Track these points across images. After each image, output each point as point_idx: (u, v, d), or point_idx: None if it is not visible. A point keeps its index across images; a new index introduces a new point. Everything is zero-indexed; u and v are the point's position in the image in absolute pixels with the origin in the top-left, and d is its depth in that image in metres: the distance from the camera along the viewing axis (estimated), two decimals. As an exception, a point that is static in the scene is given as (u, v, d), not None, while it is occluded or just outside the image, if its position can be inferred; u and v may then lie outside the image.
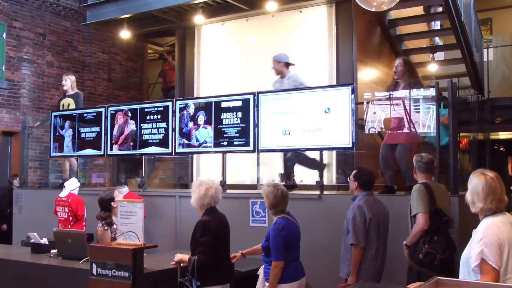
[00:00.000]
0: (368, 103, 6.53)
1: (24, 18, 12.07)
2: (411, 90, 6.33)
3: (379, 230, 5.18)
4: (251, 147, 6.96)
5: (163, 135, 7.70)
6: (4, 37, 11.67)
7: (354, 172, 5.48)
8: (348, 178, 5.79)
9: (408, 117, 6.25)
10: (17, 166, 11.13)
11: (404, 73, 6.60)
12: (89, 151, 8.56)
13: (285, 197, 4.88)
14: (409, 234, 5.07)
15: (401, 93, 6.40)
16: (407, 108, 6.26)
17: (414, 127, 6.24)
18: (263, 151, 7.13)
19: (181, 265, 4.69)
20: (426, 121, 6.19)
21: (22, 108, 11.91)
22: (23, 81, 12.01)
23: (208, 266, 4.53)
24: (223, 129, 7.15)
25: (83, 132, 8.57)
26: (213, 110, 7.24)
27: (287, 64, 7.80)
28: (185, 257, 4.65)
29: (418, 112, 6.22)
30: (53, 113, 9.10)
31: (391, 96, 6.42)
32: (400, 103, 6.31)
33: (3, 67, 11.62)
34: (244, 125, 6.98)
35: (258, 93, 7.00)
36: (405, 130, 6.28)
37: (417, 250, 4.91)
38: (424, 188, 5.07)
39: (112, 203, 5.87)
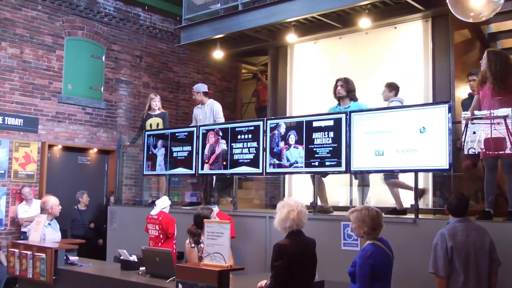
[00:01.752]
0: (467, 123, 6.15)
1: (122, 41, 12.49)
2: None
3: (468, 260, 4.79)
4: (343, 168, 6.72)
5: (254, 154, 7.62)
6: (103, 60, 12.12)
7: (448, 197, 5.17)
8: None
9: (510, 136, 5.83)
10: (113, 184, 11.46)
11: (489, 66, 6.10)
12: (180, 170, 8.63)
13: (381, 217, 4.59)
14: None
15: (502, 111, 5.97)
16: (509, 127, 5.83)
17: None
18: (355, 172, 6.88)
19: None
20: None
21: (119, 127, 12.27)
22: (120, 102, 12.39)
23: None
24: (314, 149, 6.97)
25: (175, 151, 8.67)
26: (304, 130, 7.09)
27: (206, 93, 9.10)
28: (262, 283, 4.46)
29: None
30: (146, 133, 9.28)
31: (492, 114, 6.00)
32: (501, 122, 5.89)
33: (102, 88, 12.05)
34: (336, 145, 6.77)
35: (351, 112, 6.79)
36: (507, 151, 5.85)
37: None
38: None
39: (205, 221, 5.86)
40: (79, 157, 11.89)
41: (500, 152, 5.86)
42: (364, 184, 7.42)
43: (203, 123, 8.93)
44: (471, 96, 7.08)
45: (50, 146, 11.21)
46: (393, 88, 7.77)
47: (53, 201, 7.29)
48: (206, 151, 8.19)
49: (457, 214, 4.98)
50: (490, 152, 5.93)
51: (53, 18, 11.28)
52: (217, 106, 9.09)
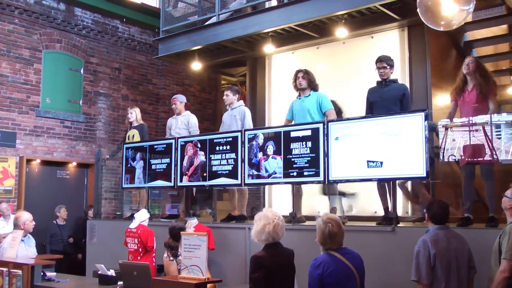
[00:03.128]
0: (446, 129, 6.20)
1: (101, 54, 12.44)
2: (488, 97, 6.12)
3: (449, 267, 4.79)
4: (321, 178, 6.73)
5: (232, 166, 7.60)
6: (82, 73, 12.04)
7: (428, 203, 5.19)
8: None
9: (490, 143, 5.88)
10: (93, 197, 11.36)
11: (475, 71, 6.30)
12: (159, 182, 8.59)
13: (333, 236, 4.31)
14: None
15: (480, 118, 6.03)
16: (488, 134, 5.88)
17: (496, 154, 5.85)
18: (334, 181, 6.88)
19: None
20: (509, 147, 5.80)
21: (98, 140, 12.19)
22: (99, 115, 12.32)
23: None
24: (292, 159, 6.97)
25: (154, 164, 8.62)
26: (282, 140, 7.09)
27: (185, 105, 9.26)
28: None
29: (500, 138, 5.83)
30: (125, 145, 9.23)
31: (470, 122, 6.05)
32: (480, 129, 5.95)
33: (80, 102, 11.97)
34: (314, 155, 6.77)
35: (328, 121, 6.80)
36: (486, 158, 5.90)
37: None
38: None
39: (181, 233, 5.83)
40: (58, 171, 11.78)
41: (479, 159, 5.93)
42: (334, 193, 7.40)
43: (175, 132, 8.96)
44: (379, 83, 7.13)
45: (28, 161, 11.10)
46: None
47: (25, 217, 7.24)
48: (184, 163, 8.17)
49: (437, 222, 4.98)
50: (469, 159, 6.00)
51: (31, 31, 11.21)
52: (193, 119, 9.15)
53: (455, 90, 6.55)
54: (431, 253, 4.75)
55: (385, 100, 6.93)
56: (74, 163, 11.92)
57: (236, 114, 8.32)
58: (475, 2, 3.96)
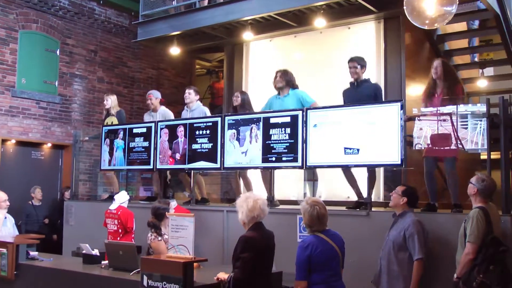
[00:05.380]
0: (415, 119, 6.48)
1: (77, 36, 12.41)
2: (455, 101, 6.34)
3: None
4: (299, 163, 6.96)
5: (211, 150, 7.79)
6: (58, 54, 12.03)
7: (403, 188, 5.49)
8: (391, 194, 5.71)
9: (455, 133, 6.16)
10: (68, 179, 11.42)
11: (443, 74, 6.59)
12: (138, 166, 8.72)
13: (321, 217, 4.60)
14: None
15: (448, 108, 6.32)
16: (455, 124, 6.17)
17: (461, 144, 6.15)
18: (310, 167, 7.12)
19: (221, 284, 4.68)
20: (474, 137, 6.10)
21: (73, 122, 12.21)
22: (75, 96, 12.32)
23: (244, 283, 4.44)
24: (271, 145, 7.18)
25: (133, 147, 8.74)
26: (261, 126, 7.29)
27: (160, 101, 9.35)
28: (225, 276, 4.64)
29: (466, 128, 6.13)
30: (104, 128, 9.31)
31: (439, 111, 6.33)
32: (447, 119, 6.23)
33: (56, 83, 11.96)
34: (293, 141, 7.00)
35: (307, 109, 7.03)
36: (453, 147, 6.20)
37: (471, 279, 4.80)
38: (483, 215, 4.93)
39: (166, 213, 6.01)
40: (33, 152, 11.79)
41: (445, 148, 6.23)
42: (312, 179, 7.65)
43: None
44: (352, 84, 7.37)
45: (4, 141, 11.09)
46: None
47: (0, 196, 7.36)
48: (164, 146, 8.31)
49: (414, 206, 5.46)
50: (436, 148, 6.30)
51: (7, 11, 11.13)
52: (169, 114, 9.32)
53: (425, 94, 6.83)
54: (425, 232, 5.27)
55: (358, 101, 7.10)
56: (49, 144, 11.93)
57: (196, 115, 8.60)
58: (457, 3, 4.20)
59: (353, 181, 7.21)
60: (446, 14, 4.20)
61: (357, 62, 7.29)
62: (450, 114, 6.22)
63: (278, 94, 8.00)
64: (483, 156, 6.25)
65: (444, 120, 6.25)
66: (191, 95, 8.81)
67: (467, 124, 6.13)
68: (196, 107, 8.77)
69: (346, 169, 7.20)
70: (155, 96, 9.40)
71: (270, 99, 8.12)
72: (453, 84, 6.61)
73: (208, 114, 8.76)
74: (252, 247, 4.47)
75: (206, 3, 9.92)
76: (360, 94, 7.21)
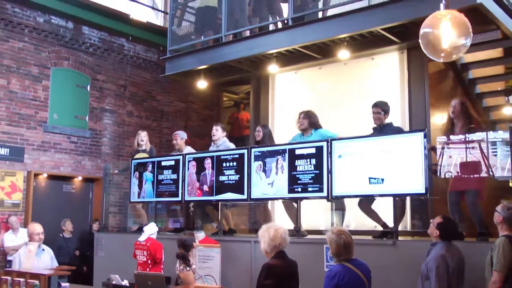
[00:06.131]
0: (443, 148, 6.51)
1: (107, 71, 12.76)
2: (475, 132, 6.36)
3: (459, 278, 5.18)
4: (324, 193, 7.03)
5: (238, 181, 7.90)
6: (88, 89, 12.36)
7: (438, 220, 5.42)
8: (430, 221, 5.68)
9: (486, 160, 6.15)
10: (98, 211, 11.65)
11: (461, 113, 6.67)
12: (167, 198, 8.87)
13: (348, 246, 4.64)
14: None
15: (477, 135, 6.33)
16: (484, 151, 6.17)
17: (492, 171, 6.14)
18: (337, 197, 7.18)
19: None
20: (505, 164, 6.08)
21: (103, 155, 12.47)
22: (105, 130, 12.61)
23: None
24: (297, 176, 7.27)
25: (161, 179, 8.90)
26: (287, 157, 7.40)
27: (185, 141, 9.59)
28: None
29: (495, 155, 6.12)
30: (133, 161, 9.51)
31: (467, 139, 6.34)
32: (476, 146, 6.24)
33: (87, 117, 12.26)
34: (318, 171, 7.08)
35: (332, 140, 7.12)
36: (483, 174, 6.18)
37: None
38: (509, 243, 4.96)
39: (194, 243, 6.14)
40: (64, 185, 12.05)
41: (475, 176, 6.22)
42: (341, 208, 7.69)
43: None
44: (375, 129, 7.43)
45: (36, 175, 11.36)
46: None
47: (36, 229, 7.56)
48: (192, 178, 8.45)
49: (448, 238, 5.32)
50: (465, 176, 6.31)
51: (40, 49, 11.53)
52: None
53: (444, 132, 6.90)
54: (450, 267, 5.10)
55: None
56: (80, 178, 12.19)
57: None
58: (471, 36, 4.29)
59: (371, 213, 7.23)
60: (461, 47, 4.27)
61: (380, 108, 7.39)
62: (479, 141, 6.22)
63: (301, 134, 8.14)
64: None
65: (473, 148, 6.26)
66: (218, 132, 9.00)
67: (496, 151, 6.11)
68: (221, 142, 8.94)
69: (361, 204, 7.30)
70: (180, 136, 9.65)
71: (294, 137, 8.24)
72: (470, 121, 6.68)
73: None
74: (275, 274, 4.56)
75: (231, 37, 10.14)
76: None
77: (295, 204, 7.73)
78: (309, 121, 8.02)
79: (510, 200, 5.67)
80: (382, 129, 7.36)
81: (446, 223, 5.38)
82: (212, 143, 9.09)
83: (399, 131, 7.36)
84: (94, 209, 12.32)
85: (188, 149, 9.55)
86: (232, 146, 8.99)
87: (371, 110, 7.45)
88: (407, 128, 8.67)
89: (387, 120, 7.44)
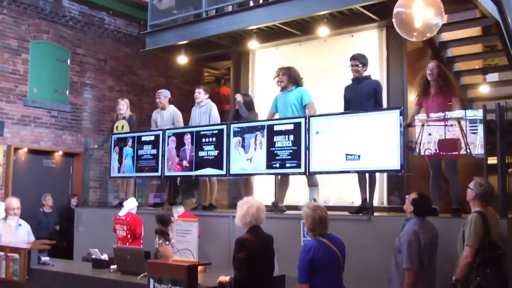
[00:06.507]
0: (422, 125, 6.58)
1: (87, 45, 12.67)
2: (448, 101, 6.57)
3: (431, 253, 5.31)
4: (302, 169, 7.14)
5: (217, 157, 7.98)
6: (69, 63, 12.29)
7: (414, 196, 5.52)
8: (406, 197, 5.78)
9: (464, 138, 6.25)
10: (78, 186, 11.65)
11: (439, 76, 6.80)
12: (147, 172, 8.93)
13: (323, 221, 4.75)
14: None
15: (457, 113, 6.40)
16: (464, 129, 6.24)
17: (469, 149, 6.23)
18: (314, 173, 7.29)
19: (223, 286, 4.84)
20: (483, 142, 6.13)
21: (84, 130, 12.46)
22: (85, 105, 12.57)
23: (244, 285, 4.63)
24: (275, 152, 7.36)
25: (142, 154, 8.95)
26: (266, 133, 7.47)
27: (168, 99, 9.66)
28: (226, 278, 4.82)
29: (475, 133, 6.17)
30: (113, 136, 9.53)
31: (446, 117, 6.40)
32: (455, 124, 6.31)
33: (67, 92, 12.21)
34: (296, 147, 7.17)
35: (310, 116, 7.20)
36: (462, 152, 6.26)
37: (469, 282, 4.96)
38: (481, 219, 5.09)
39: (172, 218, 6.23)
40: (44, 160, 12.03)
41: (454, 153, 6.34)
42: (313, 184, 7.78)
43: (162, 127, 9.28)
44: (354, 80, 7.54)
45: (16, 149, 11.33)
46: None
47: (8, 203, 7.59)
48: (171, 154, 8.51)
49: (421, 215, 5.44)
50: (444, 153, 6.42)
51: (19, 22, 11.41)
52: (177, 112, 9.64)
53: (419, 94, 7.00)
54: (422, 243, 5.21)
55: (359, 96, 7.36)
56: (60, 152, 12.17)
57: (204, 111, 8.95)
58: (444, 16, 4.37)
59: (364, 185, 7.32)
60: (433, 26, 4.36)
61: (358, 60, 7.46)
62: (458, 119, 6.28)
63: (282, 90, 8.19)
64: (490, 161, 6.33)
65: (452, 125, 6.34)
66: (201, 94, 9.10)
67: (476, 129, 6.17)
68: (205, 103, 9.05)
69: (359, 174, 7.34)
70: (164, 95, 9.69)
71: (276, 96, 8.32)
72: (446, 85, 6.79)
73: (215, 110, 9.02)
74: (246, 248, 4.65)
75: (214, 12, 10.12)
76: (361, 90, 7.40)
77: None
78: (289, 77, 8.04)
79: (483, 177, 5.82)
80: (361, 81, 7.47)
81: (420, 199, 5.49)
82: (196, 104, 9.17)
83: (375, 84, 7.48)
84: (74, 184, 12.32)
85: (172, 108, 9.67)
86: (215, 106, 9.09)
87: (349, 63, 7.53)
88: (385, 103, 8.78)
89: (366, 73, 7.54)
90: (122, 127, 9.84)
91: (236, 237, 4.86)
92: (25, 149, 11.54)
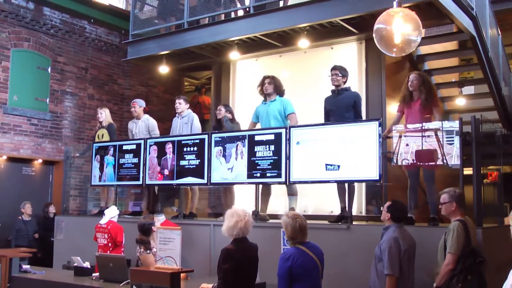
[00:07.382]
0: (400, 136, 6.72)
1: (68, 54, 12.66)
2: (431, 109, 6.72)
3: (409, 260, 5.43)
4: (282, 179, 7.25)
5: (199, 166, 8.06)
6: (49, 71, 12.28)
7: (388, 203, 5.67)
8: (381, 208, 5.94)
9: (441, 149, 6.39)
10: (58, 194, 11.63)
11: (420, 86, 6.91)
12: (128, 181, 8.97)
13: (303, 229, 4.83)
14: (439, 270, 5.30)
15: (433, 124, 6.53)
16: (440, 140, 6.38)
17: (446, 159, 6.37)
18: (294, 182, 7.41)
19: None
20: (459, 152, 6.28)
21: (64, 138, 12.43)
22: (65, 113, 12.55)
23: None
24: (256, 161, 7.47)
25: (123, 162, 8.99)
26: (247, 143, 7.58)
27: (144, 109, 9.74)
28: (209, 286, 4.89)
29: (452, 144, 6.30)
30: (94, 144, 9.56)
31: (423, 128, 6.55)
32: (432, 135, 6.47)
33: (47, 100, 12.18)
34: (277, 157, 7.29)
35: (290, 127, 7.33)
36: (439, 162, 6.41)
37: None
38: (463, 227, 5.24)
39: (152, 228, 6.28)
40: (24, 168, 11.98)
41: (431, 164, 6.48)
42: (292, 194, 7.90)
43: (138, 136, 9.37)
44: (333, 92, 7.68)
45: (-5, 157, 11.29)
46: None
47: None
48: (153, 163, 8.56)
49: (398, 221, 5.58)
50: (421, 164, 6.57)
51: (-1, 30, 11.41)
52: (152, 122, 9.68)
53: (401, 101, 7.16)
54: (402, 249, 5.34)
55: (339, 108, 7.51)
56: (40, 160, 12.13)
57: (186, 122, 9.00)
58: (422, 33, 4.53)
59: (343, 194, 7.42)
60: (412, 42, 4.51)
61: (339, 71, 7.60)
62: (435, 130, 6.43)
63: (264, 100, 8.29)
64: (466, 172, 6.49)
65: (429, 136, 6.49)
66: (181, 105, 9.14)
67: (453, 140, 6.30)
68: (186, 114, 9.10)
69: (338, 184, 7.45)
70: (139, 104, 9.77)
71: (257, 107, 8.42)
72: (428, 95, 6.90)
73: (197, 120, 9.09)
74: (232, 259, 4.69)
75: (196, 23, 10.21)
76: (340, 101, 7.55)
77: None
78: (275, 86, 8.15)
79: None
80: (340, 92, 7.60)
81: (395, 205, 5.63)
82: (177, 115, 9.22)
83: (355, 96, 7.63)
84: (53, 192, 12.28)
85: (146, 117, 9.71)
86: (196, 117, 9.16)
87: (330, 73, 7.66)
88: (364, 115, 8.94)
89: (346, 85, 7.67)
90: (102, 135, 9.88)
91: (219, 246, 4.94)
92: (5, 157, 11.49)
